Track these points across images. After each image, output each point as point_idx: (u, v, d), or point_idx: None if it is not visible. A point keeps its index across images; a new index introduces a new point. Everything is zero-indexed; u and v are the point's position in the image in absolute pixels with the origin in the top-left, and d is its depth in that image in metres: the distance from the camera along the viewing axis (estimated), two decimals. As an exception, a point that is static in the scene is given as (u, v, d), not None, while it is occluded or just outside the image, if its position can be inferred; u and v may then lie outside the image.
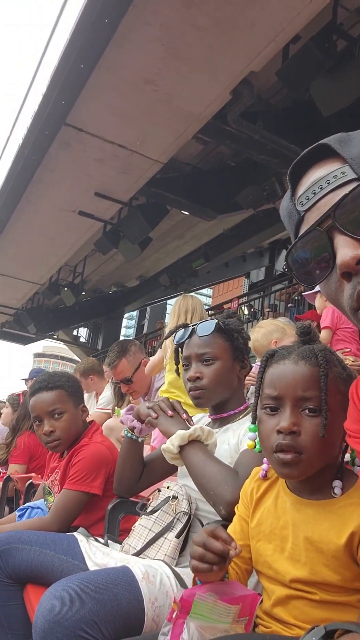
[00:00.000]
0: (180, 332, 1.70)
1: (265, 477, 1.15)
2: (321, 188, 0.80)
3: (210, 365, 1.60)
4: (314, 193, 0.81)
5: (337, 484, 1.02)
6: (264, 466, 1.14)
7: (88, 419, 2.21)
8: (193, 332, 1.65)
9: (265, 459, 1.12)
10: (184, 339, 1.67)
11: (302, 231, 0.83)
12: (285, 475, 1.04)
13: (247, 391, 3.15)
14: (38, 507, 2.27)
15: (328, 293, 0.83)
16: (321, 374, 1.01)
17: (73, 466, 1.98)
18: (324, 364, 1.02)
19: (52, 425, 2.05)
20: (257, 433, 1.11)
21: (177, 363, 1.73)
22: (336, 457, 1.06)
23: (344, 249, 0.74)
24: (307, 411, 1.01)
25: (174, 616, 0.95)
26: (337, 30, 4.51)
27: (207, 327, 1.62)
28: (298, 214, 0.84)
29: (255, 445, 1.18)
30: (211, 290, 23.43)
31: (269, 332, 3.26)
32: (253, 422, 1.13)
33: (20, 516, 2.28)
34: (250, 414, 1.16)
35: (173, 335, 1.74)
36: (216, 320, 1.64)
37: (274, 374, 1.07)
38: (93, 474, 1.95)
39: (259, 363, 3.20)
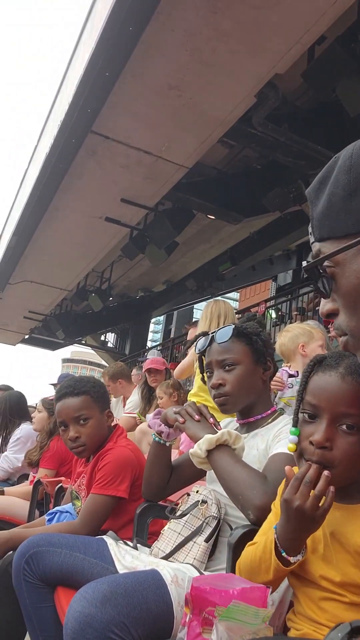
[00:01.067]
0: (201, 340, 1.70)
1: None
2: (310, 234, 0.86)
3: (232, 371, 1.60)
4: (310, 234, 0.87)
5: None
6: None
7: (114, 423, 2.22)
8: (212, 339, 1.65)
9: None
10: (205, 347, 1.67)
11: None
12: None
13: (275, 396, 3.13)
14: (67, 511, 2.29)
15: None
16: None
17: (99, 471, 2.00)
18: None
19: (77, 431, 2.06)
20: (297, 437, 1.09)
21: (202, 372, 1.73)
22: None
23: (322, 302, 0.86)
24: (344, 427, 1.00)
25: (187, 619, 0.95)
26: (362, 29, 4.47)
27: (225, 333, 1.62)
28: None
29: (296, 449, 1.17)
30: (238, 294, 23.33)
31: (295, 335, 3.23)
32: (294, 425, 1.12)
33: (50, 520, 2.30)
34: (286, 417, 1.15)
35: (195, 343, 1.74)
36: (233, 326, 1.64)
37: (319, 384, 1.05)
38: (119, 477, 1.96)
39: (285, 368, 3.17)
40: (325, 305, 0.83)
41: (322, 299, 0.83)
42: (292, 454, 1.10)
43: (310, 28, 4.32)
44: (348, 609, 0.97)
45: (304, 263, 11.47)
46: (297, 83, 5.27)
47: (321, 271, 0.79)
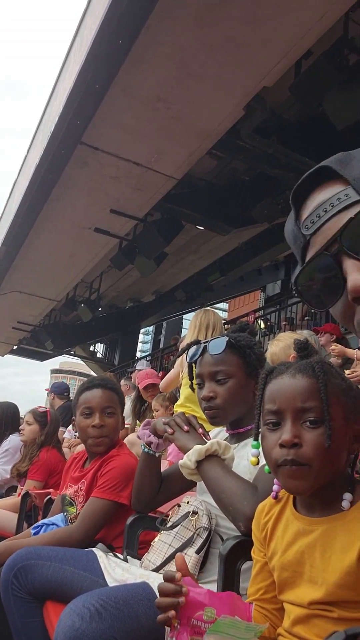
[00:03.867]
0: (193, 349, 1.68)
1: (276, 498, 1.14)
2: (325, 211, 0.79)
3: (224, 384, 1.58)
4: (319, 217, 0.80)
5: (346, 496, 1.01)
6: (275, 487, 1.13)
7: None
8: (205, 349, 1.63)
9: (275, 480, 1.12)
10: (197, 357, 1.65)
11: (309, 255, 0.83)
12: (292, 488, 1.02)
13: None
14: (53, 524, 2.25)
15: (338, 315, 0.83)
16: (320, 384, 1.01)
17: (103, 475, 1.99)
18: (322, 375, 1.02)
19: (103, 420, 2.08)
20: (260, 449, 1.11)
21: (191, 379, 1.72)
22: (342, 468, 1.04)
23: (354, 274, 0.74)
24: (308, 423, 1.00)
25: (175, 632, 0.95)
26: (348, 44, 4.55)
27: (218, 344, 1.60)
28: (303, 238, 0.84)
29: (258, 462, 1.18)
30: (227, 304, 23.39)
31: (287, 345, 3.23)
32: (255, 439, 1.14)
33: (35, 533, 2.26)
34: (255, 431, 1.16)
35: (186, 351, 1.73)
36: (227, 338, 1.62)
37: (273, 389, 1.07)
38: (123, 484, 1.95)
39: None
40: None
41: (353, 273, 0.74)
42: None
43: (297, 43, 4.39)
44: (336, 624, 0.95)
45: (293, 274, 11.56)
46: (285, 96, 5.33)
47: None
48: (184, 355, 2.98)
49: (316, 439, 0.99)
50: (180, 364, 3.40)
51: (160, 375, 8.75)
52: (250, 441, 1.57)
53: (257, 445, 1.13)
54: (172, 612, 0.97)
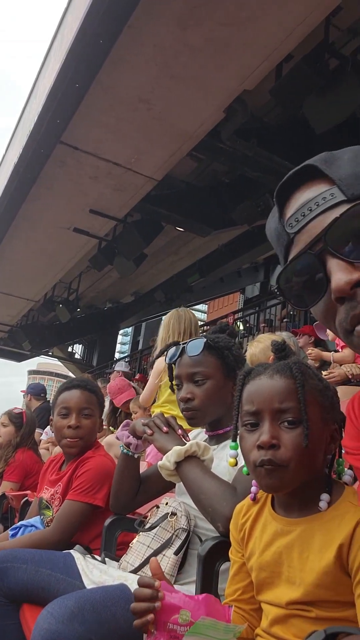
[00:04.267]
0: (172, 350, 1.68)
1: (254, 500, 1.14)
2: (310, 210, 0.80)
3: (202, 385, 1.58)
4: (303, 215, 0.80)
5: (324, 497, 1.02)
6: (253, 488, 1.14)
7: None
8: (183, 351, 1.63)
9: (254, 481, 1.12)
10: (176, 358, 1.65)
11: (292, 254, 0.83)
12: (269, 487, 1.03)
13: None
14: (32, 525, 2.24)
15: (319, 315, 0.83)
16: (297, 385, 1.02)
17: (78, 477, 1.97)
18: (300, 376, 1.03)
19: (80, 421, 2.06)
20: (238, 451, 1.11)
21: (171, 380, 1.72)
22: (320, 469, 1.05)
23: (338, 274, 0.74)
24: (286, 423, 1.01)
25: (152, 637, 0.94)
26: (329, 49, 4.59)
27: (196, 346, 1.61)
28: (287, 236, 0.84)
29: (237, 463, 1.18)
30: (206, 306, 23.45)
31: (267, 347, 3.25)
32: (234, 440, 1.14)
33: (13, 535, 2.24)
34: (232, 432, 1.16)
35: (165, 353, 1.73)
36: (205, 339, 1.62)
37: (251, 390, 1.07)
38: (97, 485, 1.94)
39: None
40: (352, 275, 0.73)
41: (337, 273, 0.74)
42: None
43: (278, 46, 4.42)
44: (314, 624, 0.96)
45: (272, 276, 11.65)
46: (265, 99, 5.36)
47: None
48: (159, 361, 2.97)
49: (294, 439, 0.99)
50: (157, 372, 3.35)
51: (138, 377, 8.72)
52: (229, 443, 1.57)
53: (235, 446, 1.13)
54: (150, 616, 0.96)
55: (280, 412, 1.02)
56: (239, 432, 1.10)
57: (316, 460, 1.03)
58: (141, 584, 0.99)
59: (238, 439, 1.10)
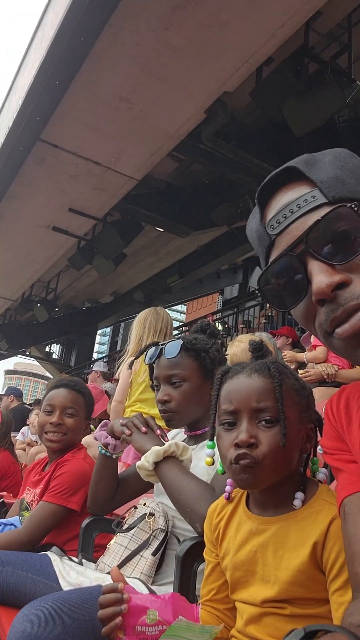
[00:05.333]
0: (151, 350, 1.67)
1: (229, 499, 1.14)
2: (292, 212, 0.80)
3: (179, 387, 1.58)
4: (285, 217, 0.81)
5: (298, 495, 1.02)
6: (228, 487, 1.13)
7: None
8: (161, 352, 1.62)
9: (228, 480, 1.12)
10: (154, 359, 1.64)
11: (273, 255, 0.83)
12: (244, 482, 1.02)
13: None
14: (11, 524, 2.22)
15: (299, 316, 0.84)
16: (275, 384, 1.02)
17: (54, 479, 1.96)
18: (277, 375, 1.03)
19: (62, 419, 2.06)
20: (215, 450, 1.11)
21: (152, 380, 1.71)
22: (295, 467, 1.06)
23: (319, 276, 0.75)
24: (263, 422, 1.01)
25: None
26: (308, 53, 4.64)
27: (173, 348, 1.60)
28: (269, 238, 0.84)
29: (213, 462, 1.18)
30: (185, 306, 23.48)
31: (247, 347, 3.25)
32: (211, 439, 1.13)
33: (-9, 532, 2.23)
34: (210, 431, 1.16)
35: (144, 353, 1.72)
36: (182, 341, 1.61)
37: (229, 389, 1.07)
38: (73, 489, 1.92)
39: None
40: (333, 277, 0.74)
41: (318, 275, 0.75)
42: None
43: (258, 49, 4.45)
44: (288, 621, 0.97)
45: (251, 278, 11.72)
46: (246, 102, 5.39)
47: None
48: (128, 362, 2.96)
49: (271, 438, 1.00)
50: (128, 373, 3.32)
51: (115, 378, 8.68)
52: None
53: (212, 445, 1.13)
54: (119, 619, 0.95)
55: (257, 412, 1.02)
56: (216, 431, 1.10)
57: (292, 459, 1.03)
58: (105, 591, 0.98)
59: (215, 438, 1.10)
